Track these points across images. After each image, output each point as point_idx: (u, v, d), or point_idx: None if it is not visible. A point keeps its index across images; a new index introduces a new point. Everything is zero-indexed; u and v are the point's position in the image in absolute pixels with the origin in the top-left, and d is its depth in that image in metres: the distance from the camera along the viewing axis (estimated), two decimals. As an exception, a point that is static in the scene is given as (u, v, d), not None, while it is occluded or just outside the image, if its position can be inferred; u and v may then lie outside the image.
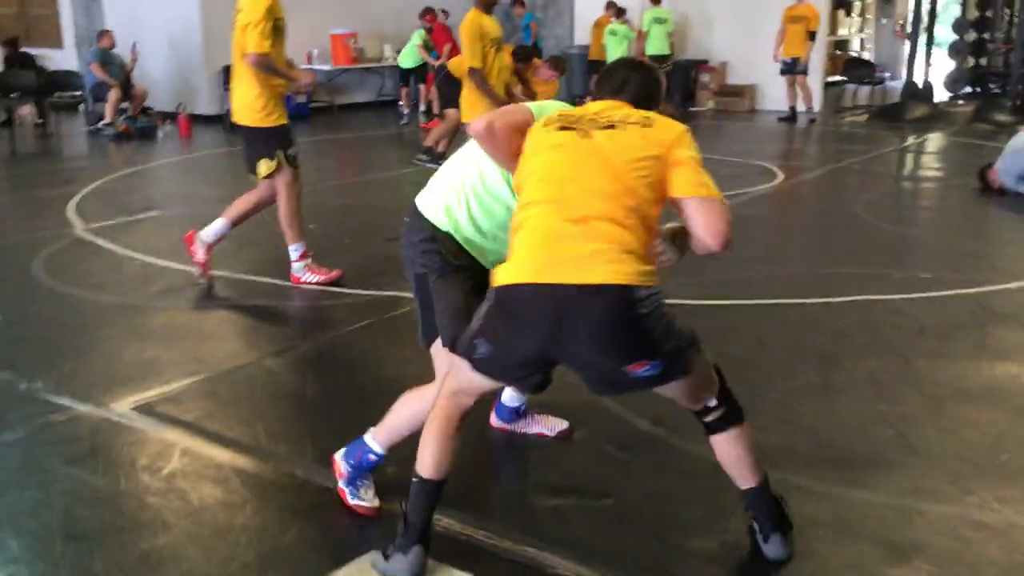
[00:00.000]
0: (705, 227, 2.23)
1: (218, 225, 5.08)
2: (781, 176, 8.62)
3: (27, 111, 12.58)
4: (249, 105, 4.91)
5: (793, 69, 12.84)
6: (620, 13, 14.86)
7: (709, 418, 2.45)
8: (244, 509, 2.78)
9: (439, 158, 8.26)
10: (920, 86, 13.40)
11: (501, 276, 2.26)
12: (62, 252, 5.92)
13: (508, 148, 2.44)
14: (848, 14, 19.59)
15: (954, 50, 15.92)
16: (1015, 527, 2.66)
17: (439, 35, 14.00)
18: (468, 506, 2.76)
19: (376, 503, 2.75)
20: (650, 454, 3.18)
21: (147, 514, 2.76)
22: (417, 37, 13.89)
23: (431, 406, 2.48)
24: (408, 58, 14.07)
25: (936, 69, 15.48)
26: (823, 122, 13.07)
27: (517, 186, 2.41)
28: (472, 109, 6.05)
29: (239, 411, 3.52)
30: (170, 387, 3.69)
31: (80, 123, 12.72)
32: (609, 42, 14.90)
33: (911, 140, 11.32)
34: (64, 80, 13.12)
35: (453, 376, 2.42)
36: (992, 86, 15.80)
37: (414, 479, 2.41)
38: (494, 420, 3.31)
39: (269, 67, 4.83)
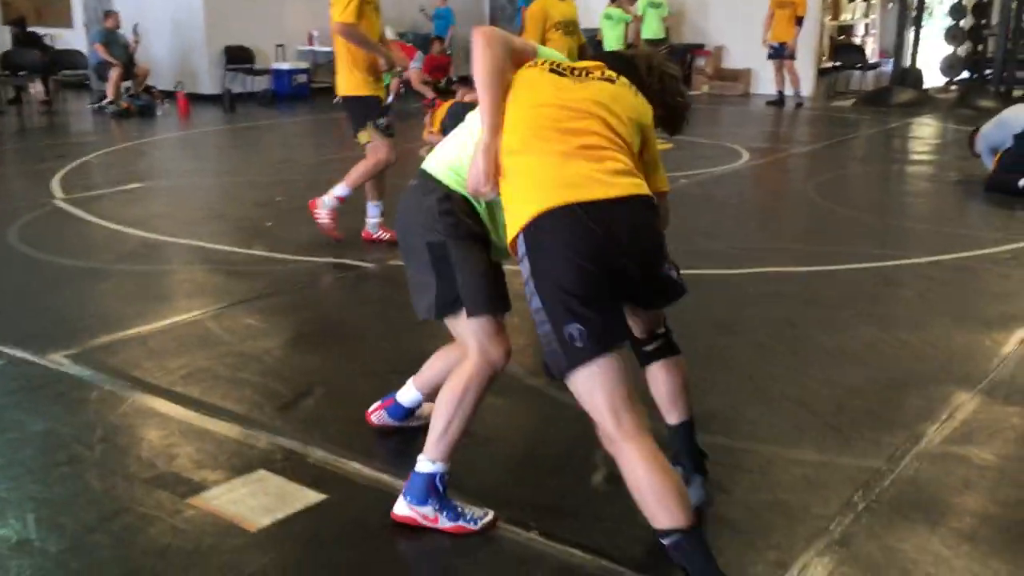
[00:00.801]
0: (663, 220, 2.50)
1: (338, 189, 5.44)
2: (746, 157, 8.87)
3: (36, 89, 13.03)
4: (343, 77, 5.33)
5: (780, 54, 13.02)
6: (615, -2, 15.06)
7: (654, 345, 2.58)
8: (142, 433, 3.13)
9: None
10: (909, 71, 13.55)
11: (519, 217, 2.23)
12: (38, 220, 6.30)
13: (496, 61, 2.36)
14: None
15: (950, 35, 16.00)
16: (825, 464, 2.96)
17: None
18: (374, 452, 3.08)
19: (489, 518, 2.62)
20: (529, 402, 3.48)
21: (58, 444, 3.10)
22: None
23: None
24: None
25: (934, 55, 15.60)
26: (811, 106, 13.25)
27: (507, 118, 2.36)
28: None
29: (164, 360, 3.86)
30: (105, 338, 4.05)
31: (86, 101, 13.14)
32: (604, 26, 15.09)
33: (890, 124, 11.50)
34: (70, 59, 13.54)
35: (602, 409, 2.19)
36: (988, 72, 15.85)
37: (668, 541, 2.17)
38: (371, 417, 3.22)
39: (353, 36, 5.13)
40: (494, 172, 2.34)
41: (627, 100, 2.43)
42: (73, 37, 14.96)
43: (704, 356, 3.98)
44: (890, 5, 21.24)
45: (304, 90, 14.26)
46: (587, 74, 2.45)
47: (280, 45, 14.42)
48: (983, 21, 15.98)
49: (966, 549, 2.51)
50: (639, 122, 2.43)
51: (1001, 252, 5.47)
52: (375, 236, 5.56)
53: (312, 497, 2.77)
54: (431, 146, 3.41)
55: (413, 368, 3.11)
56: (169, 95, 12.80)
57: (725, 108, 13.36)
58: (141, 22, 13.12)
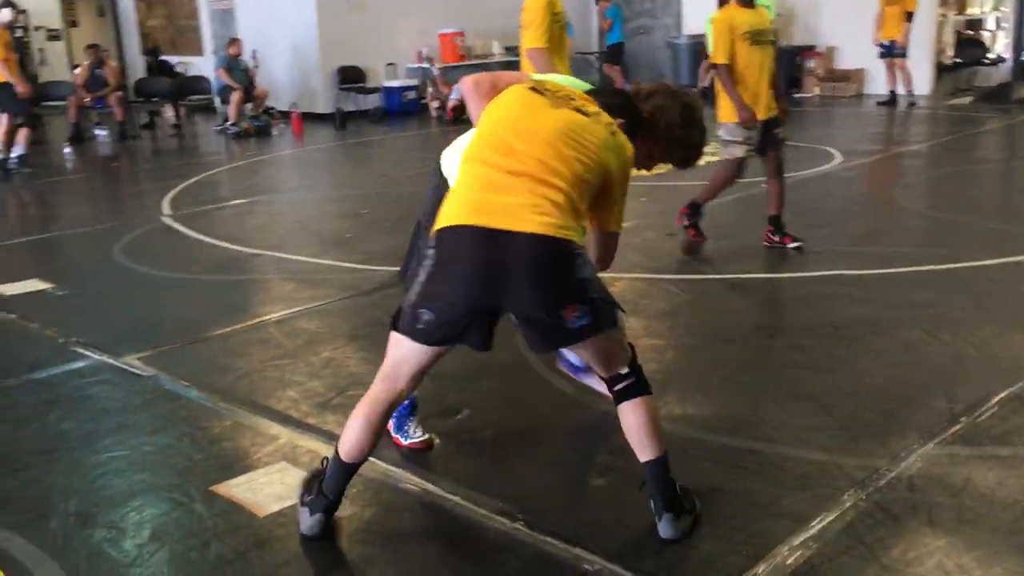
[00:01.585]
0: (605, 254, 2.65)
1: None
2: (837, 160, 8.67)
3: (168, 113, 13.95)
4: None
5: (891, 52, 12.62)
6: (723, 2, 14.93)
7: (620, 386, 2.56)
8: (187, 428, 3.42)
9: None
10: (1034, 65, 12.90)
11: (440, 221, 2.42)
12: (143, 236, 6.82)
13: (482, 105, 2.60)
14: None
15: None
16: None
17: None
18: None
19: (425, 437, 3.17)
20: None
21: (115, 426, 3.43)
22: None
23: None
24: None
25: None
26: (926, 105, 12.78)
27: (478, 126, 2.56)
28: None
29: (224, 362, 4.17)
30: (177, 343, 4.40)
31: (213, 123, 13.96)
32: (709, 31, 14.99)
33: (1003, 122, 10.99)
34: (197, 85, 14.41)
35: (387, 360, 2.55)
36: None
37: (336, 455, 2.59)
38: (560, 364, 3.53)
39: (543, 62, 5.31)
40: None
41: (595, 136, 2.44)
42: (204, 64, 15.92)
43: (738, 358, 4.03)
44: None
45: (414, 106, 14.72)
46: (569, 100, 2.52)
47: (391, 64, 14.93)
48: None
49: (946, 551, 2.49)
50: (603, 162, 2.44)
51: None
52: None
53: (322, 487, 2.98)
54: None
55: (445, 372, 3.29)
56: (286, 115, 13.46)
57: (834, 110, 13.04)
58: (262, 48, 13.87)
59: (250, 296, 5.34)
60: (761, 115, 5.46)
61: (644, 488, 2.61)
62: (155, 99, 14.02)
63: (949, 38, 16.80)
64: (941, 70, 15.25)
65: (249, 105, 13.35)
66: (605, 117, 2.53)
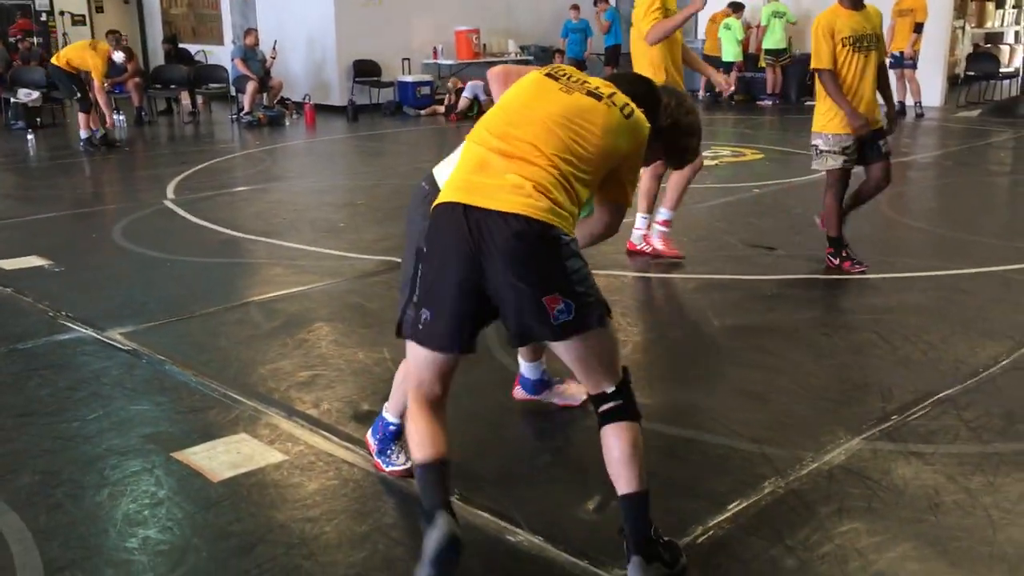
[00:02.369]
0: (611, 219, 2.61)
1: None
2: (833, 168, 8.77)
3: (185, 101, 14.21)
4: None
5: (900, 63, 12.68)
6: (738, 8, 15.04)
7: (605, 406, 2.41)
8: (158, 397, 3.61)
9: None
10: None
11: (441, 195, 2.40)
12: (144, 218, 7.04)
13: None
14: (999, 6, 18.72)
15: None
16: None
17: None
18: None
19: (408, 465, 2.92)
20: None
21: (90, 395, 3.62)
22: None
23: None
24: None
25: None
26: (934, 117, 12.83)
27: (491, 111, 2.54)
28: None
29: (200, 339, 4.36)
30: (161, 320, 4.59)
31: (228, 112, 14.19)
32: (723, 36, 15.10)
33: (1006, 135, 11.03)
34: (214, 73, 14.64)
35: (411, 373, 2.48)
36: None
37: (417, 470, 2.42)
38: (517, 393, 3.54)
39: (656, 58, 5.36)
40: None
41: (599, 120, 2.39)
42: (223, 53, 16.17)
43: (693, 354, 4.18)
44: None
45: (427, 101, 14.91)
46: (583, 84, 2.47)
47: (406, 59, 15.12)
48: None
49: (849, 535, 2.63)
50: (605, 147, 2.39)
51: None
52: (638, 247, 5.61)
53: (275, 457, 3.16)
54: None
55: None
56: (299, 106, 13.68)
57: (842, 119, 13.09)
58: (279, 39, 14.08)
59: (237, 279, 5.53)
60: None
61: (621, 531, 2.43)
62: (173, 86, 14.28)
63: (966, 50, 16.78)
64: (954, 82, 15.26)
65: (264, 95, 13.58)
66: (621, 98, 2.45)
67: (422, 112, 14.22)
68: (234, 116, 13.51)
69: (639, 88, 2.60)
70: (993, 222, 6.98)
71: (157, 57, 16.99)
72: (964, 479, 2.94)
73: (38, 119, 12.45)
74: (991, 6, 18.48)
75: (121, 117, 12.82)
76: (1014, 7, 19.24)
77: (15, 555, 2.58)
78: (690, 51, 5.88)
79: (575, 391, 3.46)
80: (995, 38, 19.05)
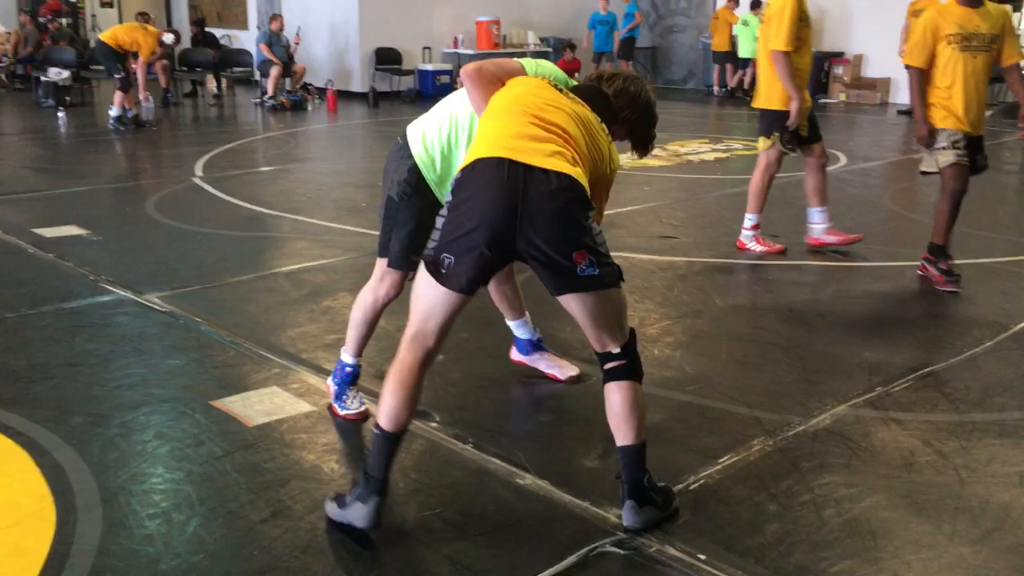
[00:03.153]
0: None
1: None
2: (843, 162, 9.01)
3: (211, 84, 14.52)
4: (763, 87, 5.61)
5: (914, 63, 12.86)
6: (756, 5, 15.21)
7: (610, 364, 2.59)
8: (196, 355, 3.89)
9: None
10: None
11: (468, 157, 2.52)
12: (175, 193, 7.34)
13: (488, 92, 2.70)
14: (1016, 9, 18.81)
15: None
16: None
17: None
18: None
19: (362, 408, 3.31)
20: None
21: (132, 349, 3.91)
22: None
23: (372, 299, 3.21)
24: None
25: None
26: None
27: (495, 101, 2.65)
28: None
29: (233, 304, 4.65)
30: (196, 287, 4.88)
31: (252, 96, 14.50)
32: (740, 33, 15.30)
33: (1013, 136, 11.21)
34: (239, 58, 14.96)
35: (411, 322, 2.58)
36: None
37: (375, 430, 2.57)
38: (513, 354, 3.79)
39: (779, 65, 5.34)
40: None
41: (602, 137, 2.64)
42: (248, 38, 16.48)
43: (697, 329, 4.43)
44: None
45: (447, 89, 15.13)
46: (575, 99, 2.68)
47: (427, 47, 15.39)
48: None
49: (827, 487, 2.89)
50: (604, 158, 2.62)
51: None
52: (823, 241, 5.72)
53: (304, 408, 3.43)
54: None
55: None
56: (321, 92, 13.97)
57: (855, 116, 13.31)
58: (303, 25, 14.37)
59: (264, 251, 5.81)
60: (969, 129, 4.90)
61: (619, 477, 2.67)
62: (198, 69, 14.59)
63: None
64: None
65: (287, 80, 13.87)
66: (602, 126, 2.68)
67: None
68: (257, 100, 13.81)
69: (596, 99, 2.75)
70: (992, 217, 7.18)
71: (182, 41, 17.29)
72: (939, 443, 3.20)
73: (67, 97, 12.79)
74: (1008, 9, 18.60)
75: (149, 104, 13.09)
76: (1031, 10, 19.33)
77: (73, 483, 2.86)
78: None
79: (563, 367, 3.71)
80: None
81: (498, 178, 2.43)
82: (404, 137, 3.20)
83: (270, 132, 11.43)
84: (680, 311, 4.66)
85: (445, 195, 2.59)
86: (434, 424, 3.30)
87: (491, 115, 2.65)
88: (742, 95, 15.60)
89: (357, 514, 2.55)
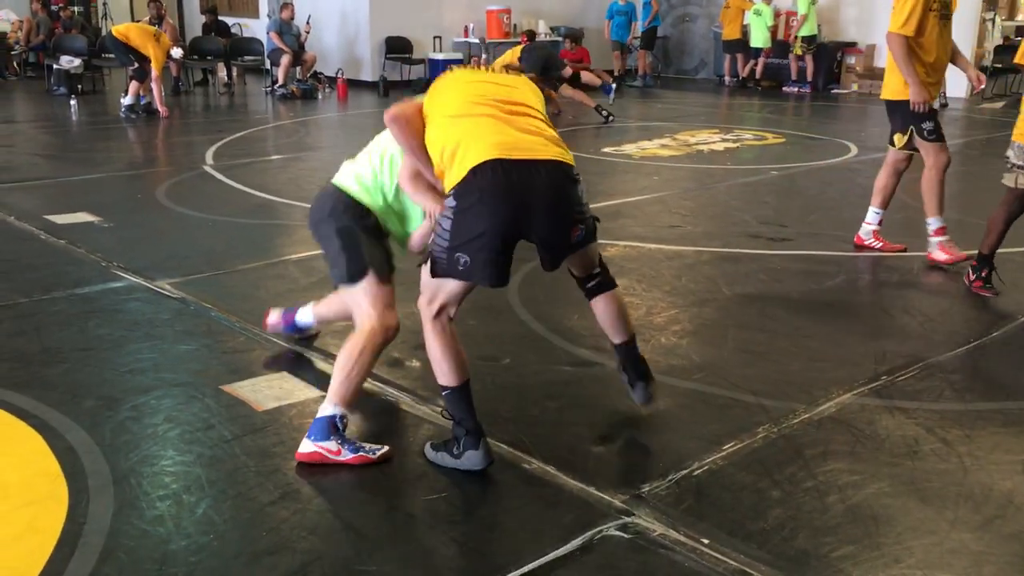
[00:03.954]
0: None
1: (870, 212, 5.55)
2: (853, 153, 8.99)
3: (221, 72, 14.56)
4: (888, 79, 5.32)
5: (927, 53, 12.81)
6: (768, -3, 15.16)
7: (593, 282, 3.08)
8: (206, 340, 3.93)
9: None
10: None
11: (464, 165, 2.67)
12: (185, 181, 7.38)
13: (417, 131, 2.84)
14: (1030, -2, 18.70)
15: None
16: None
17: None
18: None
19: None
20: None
21: (143, 335, 3.95)
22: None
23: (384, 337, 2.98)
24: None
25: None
26: (957, 107, 12.97)
27: (441, 101, 2.86)
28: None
29: (244, 290, 4.69)
30: (207, 273, 4.92)
31: (262, 84, 14.53)
32: (753, 22, 15.25)
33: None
34: (249, 46, 14.97)
35: (434, 297, 2.83)
36: None
37: (445, 393, 2.88)
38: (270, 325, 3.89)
39: (896, 49, 5.03)
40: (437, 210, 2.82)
41: (527, 88, 3.02)
42: (258, 26, 16.48)
43: (704, 318, 4.45)
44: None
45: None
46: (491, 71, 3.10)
47: (437, 37, 15.38)
48: None
49: (830, 474, 2.91)
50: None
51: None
52: (867, 243, 5.52)
53: (313, 393, 3.47)
54: None
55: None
56: (332, 81, 13.99)
57: (867, 107, 13.25)
58: (314, 14, 14.37)
59: (274, 238, 5.85)
60: None
61: (620, 367, 3.23)
62: (209, 57, 14.62)
63: (995, 42, 16.81)
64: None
65: (297, 69, 13.89)
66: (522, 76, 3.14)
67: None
68: (268, 88, 13.84)
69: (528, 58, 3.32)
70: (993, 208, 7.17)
71: (194, 29, 17.33)
72: (943, 431, 3.21)
73: (79, 86, 12.84)
74: (1021, -1, 18.48)
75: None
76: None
77: (85, 464, 2.90)
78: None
79: None
80: (1026, 31, 19.03)
81: (502, 182, 2.66)
82: (333, 187, 3.15)
83: (280, 120, 11.47)
84: (687, 300, 4.68)
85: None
86: (440, 409, 3.32)
87: (462, 108, 2.82)
88: (753, 85, 15.57)
89: (475, 459, 2.85)
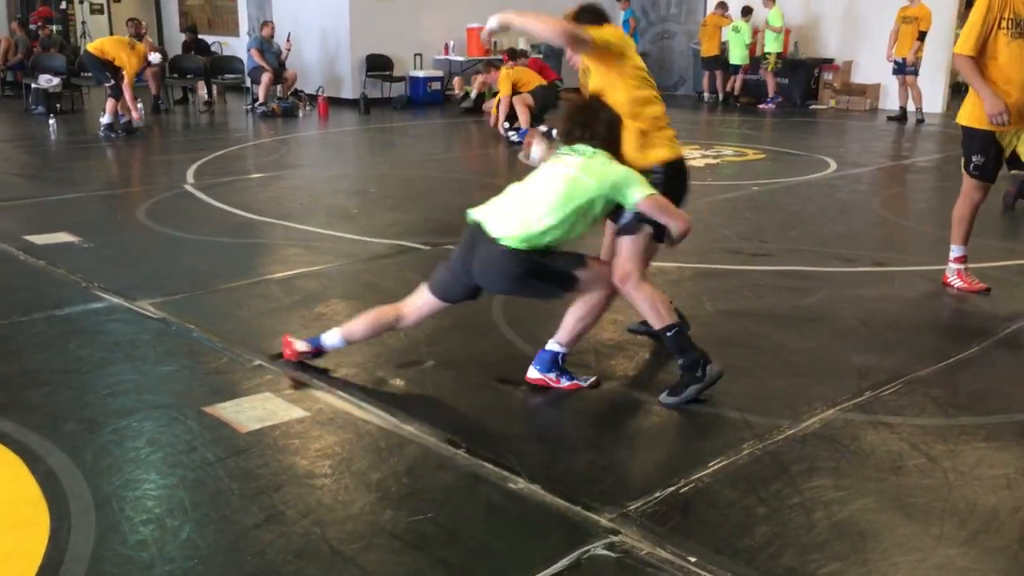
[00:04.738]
0: None
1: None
2: (831, 168, 9.06)
3: (201, 91, 14.51)
4: (966, 101, 5.00)
5: (903, 69, 12.97)
6: (747, 12, 15.28)
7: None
8: (186, 361, 3.90)
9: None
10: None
11: (660, 154, 3.71)
12: (166, 200, 7.34)
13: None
14: None
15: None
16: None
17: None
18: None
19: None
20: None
21: (124, 356, 3.91)
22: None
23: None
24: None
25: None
26: (935, 123, 13.10)
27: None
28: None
29: (225, 310, 4.66)
30: (187, 293, 4.89)
31: (243, 102, 14.50)
32: (732, 39, 15.37)
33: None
34: (229, 64, 14.96)
35: (636, 264, 3.61)
36: None
37: (671, 332, 3.53)
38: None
39: (961, 69, 4.84)
40: None
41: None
42: (239, 45, 16.47)
43: (692, 334, 4.44)
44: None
45: (437, 96, 15.23)
46: None
47: (418, 54, 15.41)
48: None
49: (815, 490, 2.92)
50: None
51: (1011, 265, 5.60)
52: (949, 281, 5.15)
53: (297, 414, 3.45)
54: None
55: (421, 329, 3.79)
56: (313, 98, 13.98)
57: (845, 123, 13.38)
58: (294, 32, 14.38)
59: (256, 257, 5.82)
60: None
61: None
62: (190, 76, 14.59)
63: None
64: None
65: (278, 87, 13.88)
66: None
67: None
68: (248, 106, 13.82)
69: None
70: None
71: (174, 47, 17.30)
72: (927, 446, 3.23)
73: (58, 105, 12.77)
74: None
75: (139, 106, 13.06)
76: None
77: (66, 488, 2.87)
78: None
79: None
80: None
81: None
82: (504, 245, 3.45)
83: (261, 139, 11.44)
84: (671, 316, 4.68)
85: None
86: (427, 429, 3.32)
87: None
88: (733, 101, 15.68)
89: (716, 370, 3.54)
